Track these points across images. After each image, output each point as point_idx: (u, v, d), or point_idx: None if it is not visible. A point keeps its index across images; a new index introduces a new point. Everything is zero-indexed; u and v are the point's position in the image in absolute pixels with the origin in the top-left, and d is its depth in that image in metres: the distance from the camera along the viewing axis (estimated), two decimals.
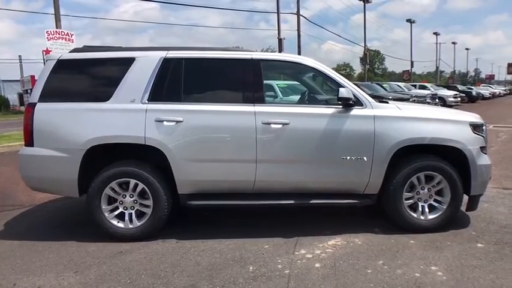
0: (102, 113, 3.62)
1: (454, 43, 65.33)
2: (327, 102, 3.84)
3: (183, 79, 3.71)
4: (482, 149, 3.78)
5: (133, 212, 3.69)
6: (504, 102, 31.80)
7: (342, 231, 3.80)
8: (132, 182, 3.62)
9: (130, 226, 3.66)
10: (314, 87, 4.19)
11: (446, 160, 3.73)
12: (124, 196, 3.67)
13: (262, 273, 3.02)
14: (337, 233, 3.77)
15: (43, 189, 3.98)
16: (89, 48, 3.89)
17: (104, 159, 3.68)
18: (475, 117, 3.92)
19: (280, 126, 3.59)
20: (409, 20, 33.25)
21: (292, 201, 3.71)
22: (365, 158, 3.63)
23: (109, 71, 3.79)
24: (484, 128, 3.86)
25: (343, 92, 3.54)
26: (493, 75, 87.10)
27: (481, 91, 34.96)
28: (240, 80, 3.73)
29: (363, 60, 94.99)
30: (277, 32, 19.29)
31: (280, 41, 18.84)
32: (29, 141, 3.63)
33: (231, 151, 3.64)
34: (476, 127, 3.79)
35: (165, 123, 3.56)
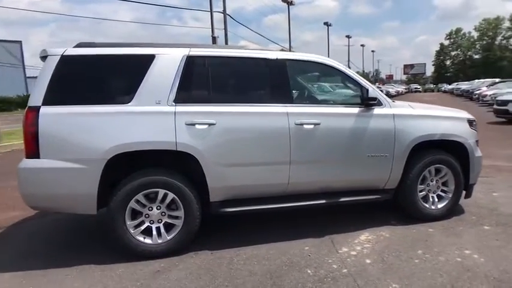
0: (125, 117, 3.21)
1: (362, 45, 71.90)
2: (349, 102, 3.94)
3: (210, 79, 3.48)
4: (477, 142, 4.25)
5: (161, 225, 3.36)
6: (408, 98, 35.92)
7: (364, 226, 3.94)
8: (161, 192, 3.28)
9: (159, 241, 3.32)
10: (336, 87, 4.27)
11: (450, 153, 4.11)
12: (150, 208, 3.31)
13: (323, 275, 3.00)
14: (361, 228, 3.90)
15: (50, 208, 3.39)
16: (94, 44, 3.40)
17: (123, 170, 3.28)
18: (468, 114, 4.39)
19: (312, 126, 3.59)
20: (326, 23, 35.69)
21: (323, 201, 3.74)
22: (387, 155, 3.83)
23: (126, 70, 3.37)
24: (475, 123, 4.34)
25: (371, 93, 3.69)
26: (392, 75, 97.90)
27: (389, 89, 39.06)
28: (268, 79, 3.62)
29: None
30: (201, 29, 19.01)
31: (214, 39, 18.62)
32: (33, 152, 3.06)
33: (266, 154, 3.52)
34: (471, 123, 4.25)
35: (197, 126, 3.30)
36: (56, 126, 3.10)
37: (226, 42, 24.00)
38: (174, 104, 3.31)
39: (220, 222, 4.04)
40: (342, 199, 3.80)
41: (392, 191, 4.00)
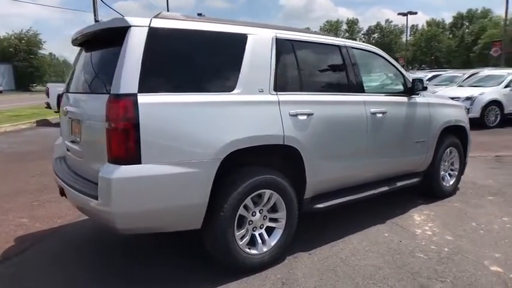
0: (232, 108, 2.66)
1: None
2: (396, 92, 4.09)
3: (298, 65, 3.17)
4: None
5: (263, 231, 2.94)
6: None
7: (405, 209, 4.17)
8: (267, 193, 2.86)
9: (264, 249, 2.90)
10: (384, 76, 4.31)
11: (455, 136, 4.71)
12: (254, 213, 2.86)
13: (436, 256, 3.09)
14: (405, 212, 4.11)
15: (149, 228, 2.54)
16: (177, 17, 2.68)
17: (228, 170, 2.73)
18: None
19: (381, 115, 3.64)
20: (199, 14, 35.39)
21: (386, 188, 3.85)
22: (425, 140, 4.17)
23: (223, 51, 2.77)
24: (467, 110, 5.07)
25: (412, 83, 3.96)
26: None
27: None
28: (345, 67, 3.48)
29: None
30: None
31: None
32: (132, 156, 2.27)
33: (352, 144, 3.42)
34: (466, 110, 4.95)
35: (299, 117, 2.98)
36: (160, 120, 2.36)
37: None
38: (275, 92, 2.91)
39: None
40: (398, 184, 3.98)
41: (422, 174, 4.37)
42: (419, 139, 4.10)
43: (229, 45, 2.79)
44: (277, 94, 2.91)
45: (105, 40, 2.69)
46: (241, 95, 2.72)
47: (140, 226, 2.45)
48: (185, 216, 2.53)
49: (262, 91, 2.84)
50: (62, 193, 2.90)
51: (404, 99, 3.98)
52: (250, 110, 2.75)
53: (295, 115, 2.95)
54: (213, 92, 2.63)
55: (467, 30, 62.69)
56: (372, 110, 3.54)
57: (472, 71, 15.22)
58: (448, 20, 69.09)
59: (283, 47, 3.06)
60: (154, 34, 2.43)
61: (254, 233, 2.89)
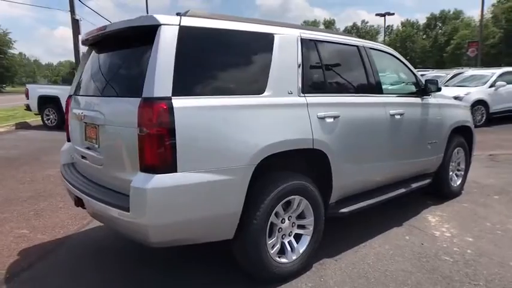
0: (264, 111, 2.54)
1: None
2: (409, 92, 4.07)
3: (322, 65, 3.08)
4: None
5: (291, 238, 2.83)
6: None
7: (417, 211, 4.16)
8: (297, 199, 2.76)
9: (294, 258, 2.80)
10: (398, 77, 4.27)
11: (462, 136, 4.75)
12: (283, 221, 2.75)
13: (461, 258, 3.07)
14: (417, 213, 4.12)
15: (182, 240, 2.37)
16: (204, 15, 2.53)
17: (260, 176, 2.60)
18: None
19: (399, 116, 3.61)
20: (178, 14, 34.83)
21: (403, 190, 3.81)
22: (437, 141, 4.17)
23: (252, 51, 2.65)
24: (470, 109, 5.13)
25: (424, 83, 3.95)
26: None
27: None
28: (365, 68, 3.42)
29: None
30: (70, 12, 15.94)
31: (76, 21, 15.76)
32: (168, 163, 2.12)
33: (375, 146, 3.37)
34: (470, 110, 5.00)
35: (326, 120, 2.89)
36: (195, 125, 2.21)
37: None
38: (303, 94, 2.81)
39: None
40: (413, 185, 3.96)
41: (433, 174, 4.37)
42: (432, 140, 4.09)
43: (258, 45, 2.67)
44: (305, 96, 2.81)
45: (129, 39, 2.52)
46: (272, 98, 2.61)
47: (174, 238, 2.29)
48: (219, 226, 2.40)
49: (291, 93, 2.74)
50: (78, 203, 2.70)
51: (418, 100, 3.96)
52: (281, 113, 2.64)
53: (323, 118, 2.86)
54: (244, 95, 2.50)
55: (440, 30, 64.52)
56: (391, 111, 3.50)
57: (455, 71, 15.61)
58: (422, 20, 70.88)
59: (308, 47, 2.97)
60: (185, 33, 2.29)
61: (283, 240, 2.78)
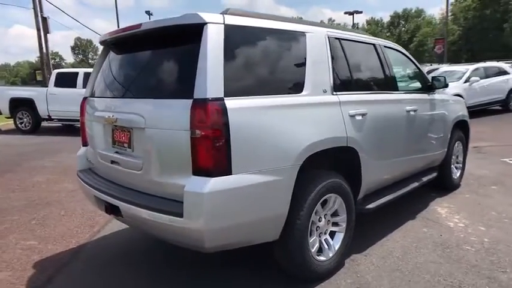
0: (304, 110, 2.53)
1: None
2: (417, 89, 4.18)
3: (348, 64, 3.10)
4: None
5: (327, 236, 2.84)
6: None
7: (425, 204, 4.29)
8: (333, 197, 2.77)
9: (331, 255, 2.81)
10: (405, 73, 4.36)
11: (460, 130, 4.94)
12: (320, 219, 2.75)
13: (482, 247, 3.20)
14: (426, 205, 4.26)
15: (235, 244, 2.31)
16: (244, 13, 2.47)
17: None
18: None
19: (414, 113, 3.70)
20: (147, 12, 34.18)
21: (416, 184, 3.92)
22: (442, 135, 4.33)
23: (290, 49, 2.62)
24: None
25: (430, 80, 4.09)
26: None
27: None
28: (382, 65, 3.48)
29: (74, 49, 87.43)
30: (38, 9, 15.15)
31: (44, 19, 15.03)
32: (223, 166, 2.07)
33: (397, 141, 3.46)
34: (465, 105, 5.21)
35: (356, 117, 2.92)
36: (247, 125, 2.17)
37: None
38: (335, 92, 2.82)
39: None
40: (424, 179, 4.08)
41: (438, 167, 4.53)
42: (440, 134, 4.24)
43: (294, 44, 2.66)
44: (337, 94, 2.83)
45: (166, 38, 2.42)
46: (310, 96, 2.60)
47: (227, 243, 2.24)
48: (268, 227, 2.37)
49: (326, 91, 2.74)
50: (110, 211, 2.57)
51: (426, 96, 4.09)
52: (319, 112, 2.64)
53: (354, 115, 2.89)
54: (286, 94, 2.49)
55: (403, 28, 66.81)
56: (407, 107, 3.59)
57: (428, 67, 16.20)
58: (386, 19, 73.08)
59: (334, 45, 2.98)
60: (230, 32, 2.23)
61: (320, 238, 2.79)
